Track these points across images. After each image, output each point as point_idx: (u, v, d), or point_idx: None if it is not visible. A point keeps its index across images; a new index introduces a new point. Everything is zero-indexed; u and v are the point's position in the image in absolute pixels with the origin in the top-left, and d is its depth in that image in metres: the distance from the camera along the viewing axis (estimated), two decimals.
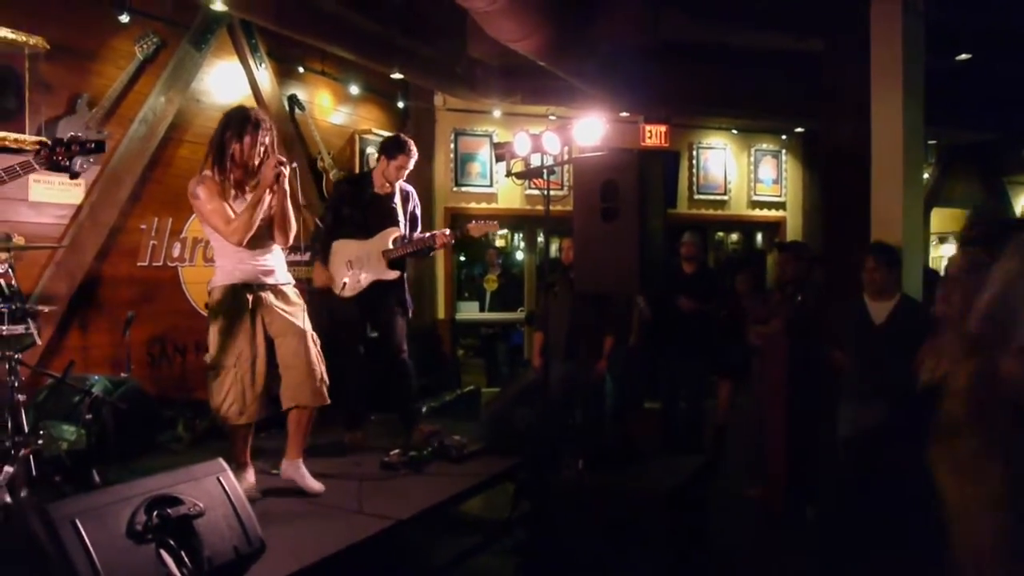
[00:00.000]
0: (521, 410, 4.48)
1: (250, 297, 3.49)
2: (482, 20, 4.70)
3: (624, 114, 8.09)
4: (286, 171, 3.34)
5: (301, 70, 6.49)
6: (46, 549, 2.08)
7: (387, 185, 4.64)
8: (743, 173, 9.71)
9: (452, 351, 8.20)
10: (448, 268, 8.21)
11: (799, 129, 9.62)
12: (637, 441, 5.39)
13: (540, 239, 8.86)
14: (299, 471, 3.67)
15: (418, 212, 4.76)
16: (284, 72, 6.31)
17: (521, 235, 9.59)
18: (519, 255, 9.78)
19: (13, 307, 3.19)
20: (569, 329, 5.31)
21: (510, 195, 8.27)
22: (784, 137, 9.83)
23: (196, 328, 5.56)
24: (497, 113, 8.02)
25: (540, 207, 8.04)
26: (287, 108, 6.34)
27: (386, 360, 4.65)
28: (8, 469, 3.03)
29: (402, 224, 4.65)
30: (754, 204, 9.78)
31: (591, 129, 4.50)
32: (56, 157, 2.30)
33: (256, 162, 3.43)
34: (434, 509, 3.61)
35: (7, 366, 3.17)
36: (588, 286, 4.19)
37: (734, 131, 9.57)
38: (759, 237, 10.37)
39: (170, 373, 5.40)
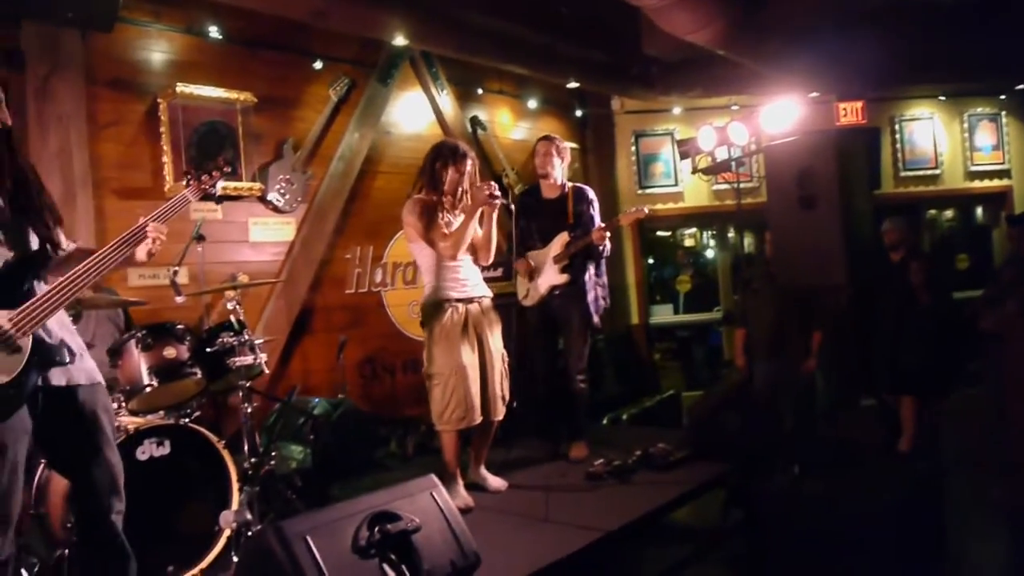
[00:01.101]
0: (728, 414, 4.31)
1: (460, 308, 3.74)
2: (655, 16, 4.60)
3: (814, 94, 7.60)
4: (498, 201, 3.62)
5: (480, 91, 6.68)
6: (282, 564, 2.24)
7: (551, 186, 4.63)
8: (956, 142, 8.80)
9: (648, 356, 8.06)
10: (638, 272, 8.09)
11: (1021, 86, 8.58)
12: (855, 443, 5.02)
13: (731, 235, 8.53)
14: (482, 475, 3.97)
15: (593, 212, 4.63)
16: (464, 95, 6.52)
17: (711, 233, 9.28)
18: (709, 253, 9.47)
19: (243, 340, 3.50)
20: (773, 326, 5.03)
21: (697, 192, 8.03)
22: (1003, 97, 8.80)
23: (401, 348, 5.88)
24: (677, 110, 7.83)
25: (730, 202, 7.81)
26: (469, 130, 6.55)
27: (564, 380, 4.62)
28: (247, 488, 3.31)
29: (575, 226, 4.58)
30: (972, 175, 8.83)
31: (781, 114, 4.27)
32: (204, 186, 2.59)
33: (461, 188, 3.78)
34: (643, 519, 3.54)
35: (240, 394, 3.48)
36: (789, 279, 3.96)
37: (941, 97, 8.69)
38: (979, 211, 9.37)
39: (381, 392, 5.71)
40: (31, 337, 2.13)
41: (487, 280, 5.39)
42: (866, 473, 3.79)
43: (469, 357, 3.70)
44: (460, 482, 3.77)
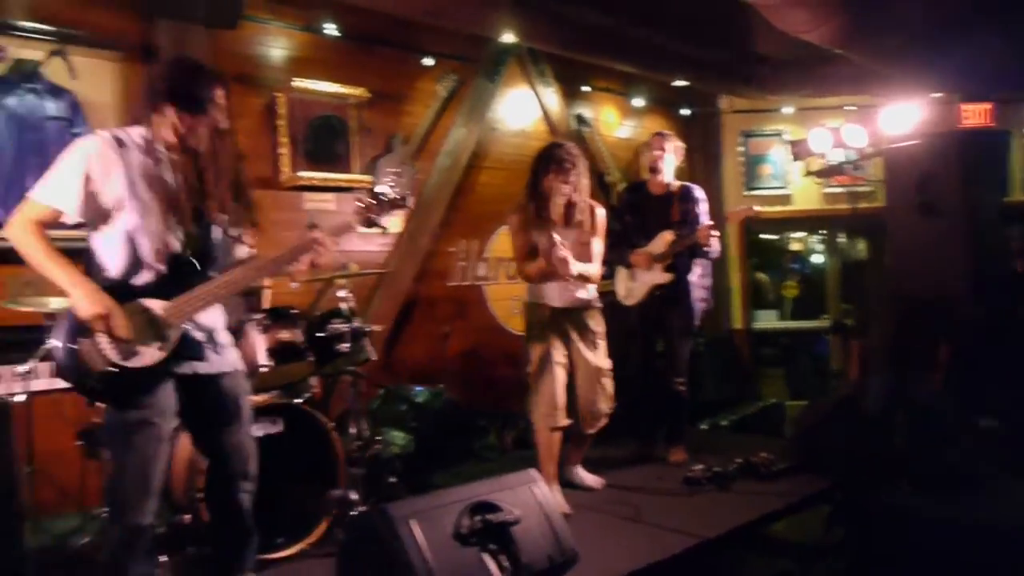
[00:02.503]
0: (836, 426, 4.16)
1: (557, 314, 3.73)
2: (769, 14, 4.47)
3: (935, 95, 7.24)
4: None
5: (585, 89, 6.67)
6: (387, 544, 2.32)
7: (658, 183, 4.57)
8: None
9: (750, 362, 7.87)
10: (743, 275, 7.91)
11: None
12: (973, 464, 4.76)
13: (842, 240, 8.24)
14: (578, 474, 4.00)
15: (700, 211, 4.54)
16: (570, 92, 6.53)
17: (820, 237, 8.98)
18: (816, 258, 9.16)
19: (353, 326, 3.62)
20: (892, 337, 4.81)
21: (807, 195, 7.77)
22: None
23: (502, 342, 5.94)
24: (788, 110, 7.60)
25: (842, 206, 7.56)
26: (574, 127, 6.56)
27: (662, 381, 4.56)
28: (353, 470, 3.43)
29: (681, 224, 4.50)
30: None
31: (901, 116, 4.10)
32: (371, 215, 2.59)
33: (561, 200, 3.65)
34: (742, 529, 3.48)
35: (350, 379, 3.61)
36: (911, 289, 3.79)
37: None
38: None
39: (481, 385, 5.79)
40: (180, 327, 2.32)
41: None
42: (984, 497, 3.59)
43: (560, 358, 3.71)
44: (556, 487, 3.71)
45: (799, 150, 4.76)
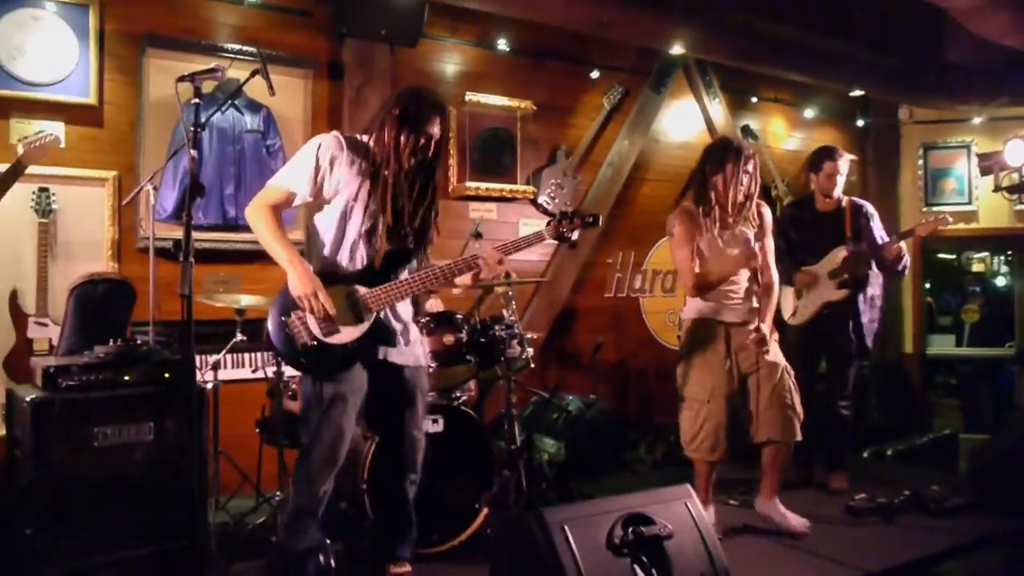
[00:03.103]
0: (1021, 464, 3.83)
1: (724, 332, 3.46)
2: (963, 18, 4.20)
3: None
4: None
5: (754, 100, 6.50)
6: (541, 547, 2.37)
7: (827, 200, 4.36)
8: None
9: (922, 389, 7.36)
10: (916, 296, 7.41)
11: None
12: None
13: None
14: (778, 510, 3.57)
15: (874, 226, 4.32)
16: (737, 104, 6.39)
17: (1007, 258, 8.26)
18: (1000, 281, 8.44)
19: (514, 333, 3.72)
20: None
21: (994, 212, 7.17)
22: None
23: (656, 355, 5.90)
24: (977, 120, 7.05)
25: None
26: (740, 138, 6.40)
27: (824, 404, 4.32)
28: (507, 473, 3.52)
29: (855, 240, 4.28)
30: None
31: None
32: (562, 229, 2.72)
33: (740, 196, 3.35)
34: (909, 567, 3.27)
35: (507, 384, 3.70)
36: None
37: None
38: None
39: (633, 397, 5.78)
40: (377, 313, 2.61)
41: None
42: None
43: (729, 384, 3.41)
44: (711, 507, 3.54)
45: (990, 164, 4.41)
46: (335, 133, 2.67)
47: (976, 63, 6.07)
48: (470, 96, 5.01)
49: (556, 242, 2.85)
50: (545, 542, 2.35)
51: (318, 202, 2.65)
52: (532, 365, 3.91)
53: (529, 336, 3.92)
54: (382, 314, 2.64)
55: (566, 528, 2.39)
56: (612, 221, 5.68)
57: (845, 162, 4.31)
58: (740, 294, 3.47)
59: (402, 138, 2.59)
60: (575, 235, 2.76)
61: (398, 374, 2.71)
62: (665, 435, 5.26)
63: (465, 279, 2.72)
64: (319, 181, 2.60)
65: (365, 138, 2.69)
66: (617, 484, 4.26)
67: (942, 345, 7.69)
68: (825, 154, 4.36)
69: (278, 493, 3.40)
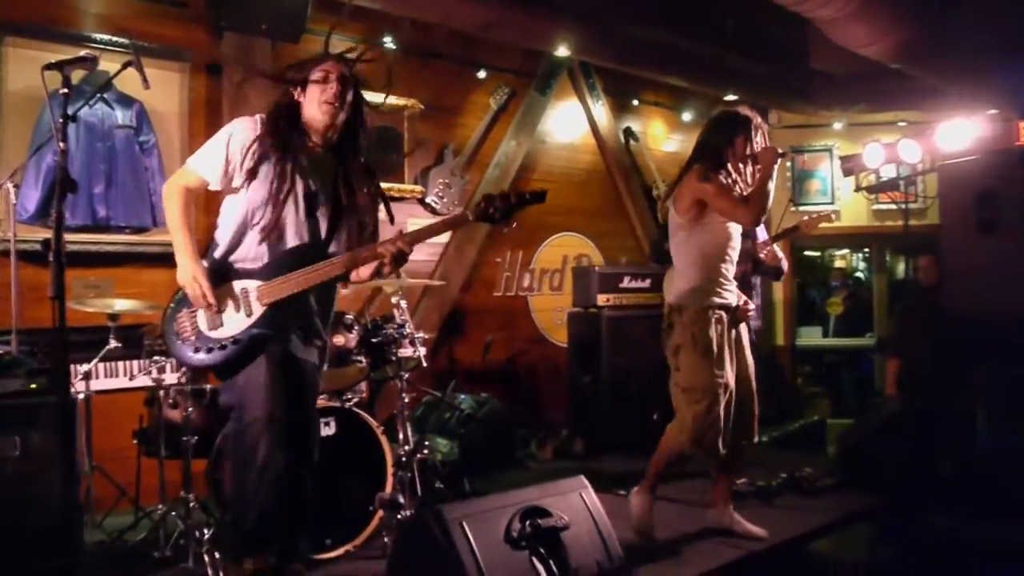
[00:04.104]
0: (882, 445, 4.12)
1: (725, 317, 3.27)
2: (828, 28, 4.47)
3: (992, 111, 7.12)
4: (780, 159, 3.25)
5: (635, 103, 6.71)
6: (440, 545, 2.36)
7: None
8: None
9: (792, 379, 7.79)
10: (788, 291, 7.84)
11: None
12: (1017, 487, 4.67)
13: (888, 258, 8.13)
14: (738, 519, 3.48)
15: (757, 228, 4.51)
16: (619, 106, 6.57)
17: (865, 254, 8.86)
18: (860, 275, 9.04)
19: (405, 333, 3.69)
20: (933, 357, 4.76)
21: (854, 211, 7.69)
22: None
23: (544, 353, 5.99)
24: (838, 125, 7.53)
25: (890, 223, 7.47)
26: (622, 140, 6.59)
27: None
28: (400, 473, 3.49)
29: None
30: None
31: (959, 132, 4.04)
32: (491, 211, 2.47)
33: (751, 165, 3.29)
34: (787, 544, 3.46)
35: (399, 385, 3.67)
36: (961, 307, 3.75)
37: None
38: None
39: (523, 394, 5.83)
40: (269, 307, 2.44)
41: (633, 290, 5.50)
42: None
43: (731, 375, 3.23)
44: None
45: (851, 165, 4.71)
46: (257, 117, 2.53)
47: (839, 72, 6.49)
48: None
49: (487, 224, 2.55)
50: (444, 539, 2.35)
51: (228, 186, 2.52)
52: (424, 364, 3.88)
53: (421, 336, 3.90)
54: (284, 308, 2.46)
55: (464, 524, 2.39)
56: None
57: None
58: (731, 273, 3.34)
59: (310, 95, 2.48)
60: (510, 216, 2.47)
61: (298, 367, 2.52)
62: (556, 431, 5.35)
63: (366, 271, 2.54)
64: (229, 172, 2.47)
65: (301, 127, 2.54)
66: (510, 481, 4.30)
67: (810, 337, 8.15)
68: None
69: (159, 507, 3.24)
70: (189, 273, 2.41)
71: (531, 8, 5.03)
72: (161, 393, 3.23)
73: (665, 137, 7.04)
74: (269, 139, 2.47)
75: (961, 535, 3.41)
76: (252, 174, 2.45)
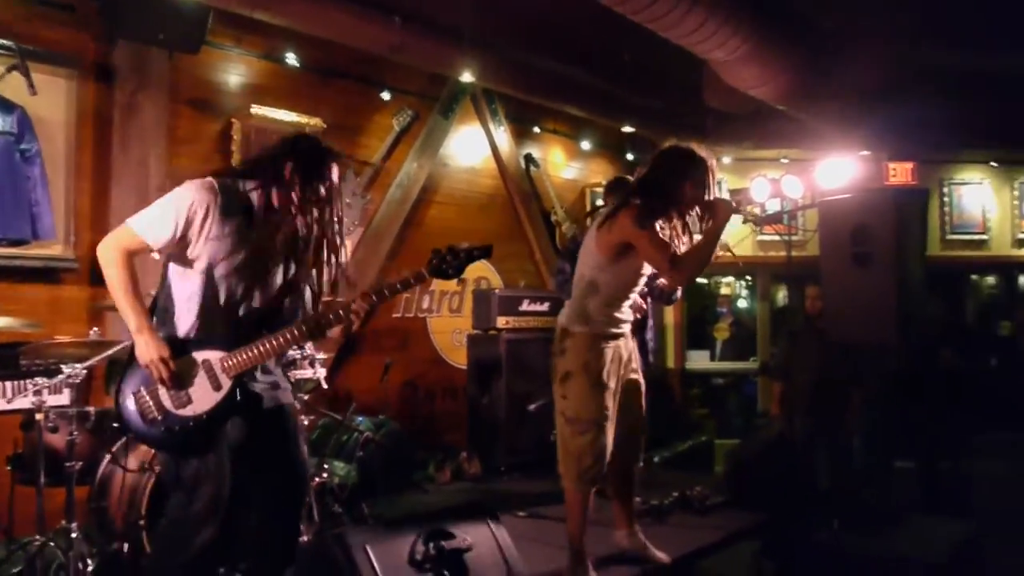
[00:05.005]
0: (767, 463, 4.33)
1: (613, 346, 3.19)
2: (721, 69, 4.73)
3: (864, 152, 7.68)
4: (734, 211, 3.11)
5: (536, 130, 6.87)
6: (343, 569, 2.34)
7: None
8: (1005, 209, 8.80)
9: (682, 401, 8.08)
10: (678, 315, 8.14)
11: None
12: (893, 503, 5.00)
13: (771, 287, 8.59)
14: (640, 540, 3.45)
15: None
16: (520, 133, 6.71)
17: (748, 282, 9.31)
18: (742, 303, 9.48)
19: (305, 354, 3.63)
20: (815, 381, 5.06)
21: (740, 242, 8.07)
22: None
23: (442, 375, 6.00)
24: (727, 159, 7.92)
25: (773, 253, 7.88)
26: (523, 166, 6.71)
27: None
28: None
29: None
30: (1019, 243, 8.80)
31: (837, 170, 4.36)
32: (444, 266, 2.49)
33: (699, 208, 3.10)
34: (680, 561, 3.57)
35: (297, 406, 3.58)
36: (838, 335, 4.01)
37: (993, 164, 8.72)
38: (1022, 279, 9.33)
39: (422, 417, 5.81)
40: (235, 380, 2.31)
41: (533, 313, 5.60)
42: (904, 532, 3.79)
43: (615, 405, 3.15)
44: (589, 564, 3.20)
45: (739, 198, 4.98)
46: (210, 181, 2.33)
47: (731, 110, 6.85)
48: (255, 110, 4.85)
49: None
50: (347, 564, 2.33)
51: (179, 256, 2.33)
52: (325, 386, 3.82)
53: (320, 357, 3.84)
54: (246, 378, 2.35)
55: (368, 548, 2.38)
56: (400, 242, 5.72)
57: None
58: (629, 308, 3.27)
59: (299, 189, 2.34)
60: (462, 271, 2.51)
61: (276, 413, 2.44)
62: (454, 454, 5.36)
63: (335, 332, 2.50)
64: (179, 238, 2.27)
65: (248, 186, 2.37)
66: (410, 504, 4.28)
67: (698, 360, 8.48)
68: (625, 182, 4.59)
69: (36, 537, 3.04)
70: (154, 354, 2.23)
71: (436, 34, 5.10)
72: (39, 416, 3.05)
73: (564, 164, 7.22)
74: (224, 202, 2.31)
75: (841, 549, 3.61)
76: (207, 240, 2.28)
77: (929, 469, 5.39)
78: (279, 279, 2.41)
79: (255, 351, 2.31)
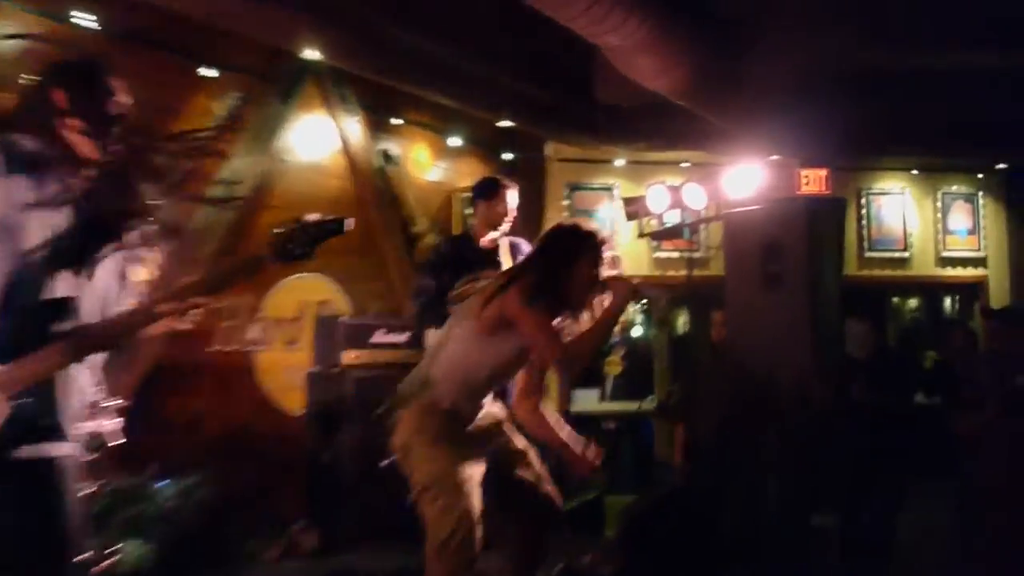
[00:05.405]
0: (666, 522, 4.38)
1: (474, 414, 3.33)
2: (614, 57, 4.81)
3: (774, 157, 8.02)
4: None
5: (395, 121, 6.78)
6: None
7: (491, 237, 4.68)
8: (928, 223, 9.41)
9: None
10: None
11: (1001, 165, 9.28)
12: (810, 560, 5.17)
13: (671, 312, 8.79)
14: None
15: None
16: (376, 124, 6.61)
17: (643, 307, 9.50)
18: (637, 331, 9.65)
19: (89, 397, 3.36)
20: (720, 421, 5.18)
21: (636, 260, 8.19)
22: (980, 176, 9.48)
23: (274, 424, 5.81)
24: (620, 162, 8.08)
25: (672, 272, 8.08)
26: (378, 164, 6.61)
27: None
28: None
29: None
30: (944, 261, 9.42)
31: (745, 178, 4.48)
32: (290, 246, 2.33)
33: (588, 297, 3.27)
34: None
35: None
36: (745, 367, 4.11)
37: (914, 171, 9.31)
38: (948, 302, 9.98)
39: (245, 478, 5.55)
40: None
41: (388, 346, 5.48)
42: None
43: (477, 468, 3.19)
44: None
45: (635, 209, 5.07)
46: None
47: (624, 104, 6.99)
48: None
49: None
50: None
51: None
52: (121, 441, 3.56)
53: (113, 403, 3.58)
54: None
55: None
56: (223, 254, 5.48)
57: (515, 192, 4.64)
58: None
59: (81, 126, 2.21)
60: (314, 250, 2.34)
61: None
62: (286, 523, 5.16)
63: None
64: None
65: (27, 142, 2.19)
66: None
67: (586, 401, 8.50)
68: (497, 183, 4.66)
69: None
70: None
71: None
72: None
73: (429, 163, 7.17)
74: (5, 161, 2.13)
75: None
76: None
77: (851, 521, 5.60)
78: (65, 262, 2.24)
79: (31, 362, 2.16)
